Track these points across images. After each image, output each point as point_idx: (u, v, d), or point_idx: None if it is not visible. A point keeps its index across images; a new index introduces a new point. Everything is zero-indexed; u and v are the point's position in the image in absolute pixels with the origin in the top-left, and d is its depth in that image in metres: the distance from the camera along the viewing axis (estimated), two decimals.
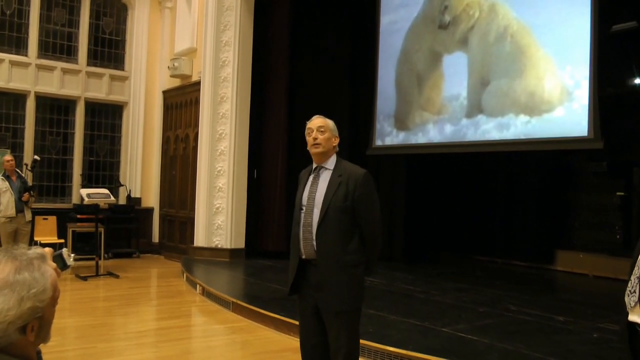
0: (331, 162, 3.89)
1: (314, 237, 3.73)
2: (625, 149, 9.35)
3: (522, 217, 11.15)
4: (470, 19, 9.36)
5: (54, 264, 2.10)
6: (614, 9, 8.57)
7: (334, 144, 3.90)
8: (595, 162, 10.18)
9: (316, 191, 3.82)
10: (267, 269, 10.14)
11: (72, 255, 2.24)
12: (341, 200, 3.71)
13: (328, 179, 3.82)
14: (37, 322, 1.62)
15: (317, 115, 3.96)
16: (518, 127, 8.63)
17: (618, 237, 9.68)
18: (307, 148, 3.90)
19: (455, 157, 10.97)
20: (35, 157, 10.73)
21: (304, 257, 3.79)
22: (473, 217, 11.92)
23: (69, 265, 2.21)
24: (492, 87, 9.01)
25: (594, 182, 10.37)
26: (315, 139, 3.82)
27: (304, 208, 3.83)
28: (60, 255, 2.17)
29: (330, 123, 3.92)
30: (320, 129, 3.84)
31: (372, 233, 3.81)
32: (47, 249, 2.12)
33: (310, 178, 3.90)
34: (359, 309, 3.87)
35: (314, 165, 3.93)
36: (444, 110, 9.75)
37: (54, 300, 1.68)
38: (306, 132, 3.91)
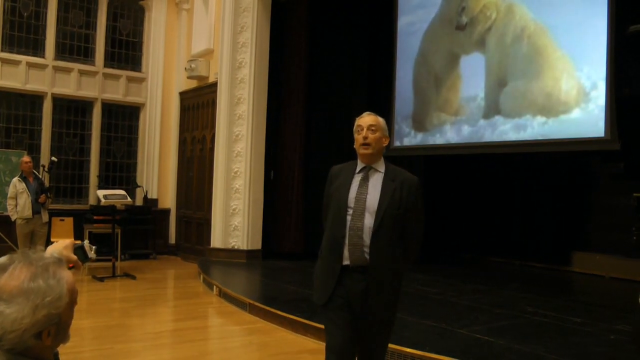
0: (381, 164, 3.63)
1: (367, 244, 3.45)
2: None
3: (539, 219, 11.09)
4: (488, 20, 9.36)
5: (75, 257, 2.13)
6: (630, 10, 8.51)
7: (384, 145, 3.64)
8: (612, 163, 10.11)
9: (366, 193, 3.53)
10: (283, 270, 10.16)
11: (94, 247, 2.30)
12: (396, 207, 3.49)
13: (380, 182, 3.56)
14: (54, 327, 1.61)
15: (368, 112, 3.73)
16: (535, 128, 8.62)
17: (635, 238, 9.57)
18: (354, 146, 3.64)
19: (472, 158, 10.97)
20: (53, 158, 10.80)
21: (347, 263, 3.49)
22: (490, 218, 11.88)
23: (90, 258, 2.28)
24: (509, 88, 9.01)
25: (610, 184, 10.28)
26: (365, 137, 3.55)
27: (350, 210, 3.52)
28: (82, 247, 2.23)
29: (381, 122, 3.66)
30: (371, 127, 3.57)
31: (417, 241, 3.70)
32: (69, 241, 2.17)
33: (358, 178, 3.60)
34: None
35: (360, 165, 3.64)
36: (461, 112, 9.75)
37: (71, 303, 1.66)
38: (355, 129, 3.64)
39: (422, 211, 3.69)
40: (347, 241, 3.49)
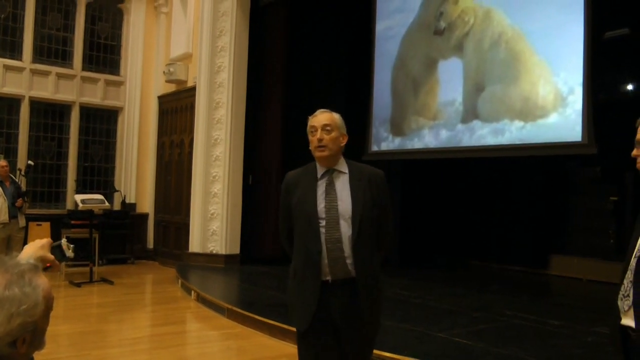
0: (342, 164, 3.33)
1: (350, 254, 3.17)
2: (618, 154, 9.35)
3: (517, 222, 11.15)
4: (466, 25, 9.40)
5: (52, 256, 2.10)
6: (606, 16, 8.61)
7: (342, 144, 3.31)
8: (589, 167, 10.21)
9: (337, 200, 3.22)
10: (262, 275, 10.12)
11: (72, 246, 2.25)
12: (370, 208, 3.21)
13: (347, 184, 3.26)
14: (30, 335, 1.58)
15: (322, 110, 3.38)
16: (513, 132, 8.66)
17: (611, 241, 9.68)
18: (310, 149, 3.32)
19: (450, 162, 11.01)
20: (29, 162, 10.72)
21: (328, 278, 3.17)
22: (468, 222, 11.93)
23: (68, 257, 2.23)
24: (487, 93, 9.04)
25: (587, 187, 10.39)
26: (320, 139, 3.23)
27: (322, 222, 3.18)
28: (59, 246, 2.20)
29: (337, 119, 3.33)
30: (326, 127, 3.25)
31: (389, 238, 3.45)
32: (46, 240, 2.14)
33: (323, 184, 3.27)
34: None
35: (321, 169, 3.31)
36: (439, 116, 9.78)
37: (47, 310, 1.63)
38: (308, 129, 3.33)
39: (391, 209, 3.44)
40: (325, 255, 3.16)
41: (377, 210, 3.26)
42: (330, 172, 3.29)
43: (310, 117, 3.38)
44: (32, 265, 1.67)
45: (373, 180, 3.30)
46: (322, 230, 3.18)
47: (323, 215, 3.19)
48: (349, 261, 3.17)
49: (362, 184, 3.25)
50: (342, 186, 3.26)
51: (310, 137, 3.31)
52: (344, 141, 3.32)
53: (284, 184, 3.43)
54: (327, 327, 3.18)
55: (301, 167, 3.45)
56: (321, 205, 3.21)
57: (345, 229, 3.18)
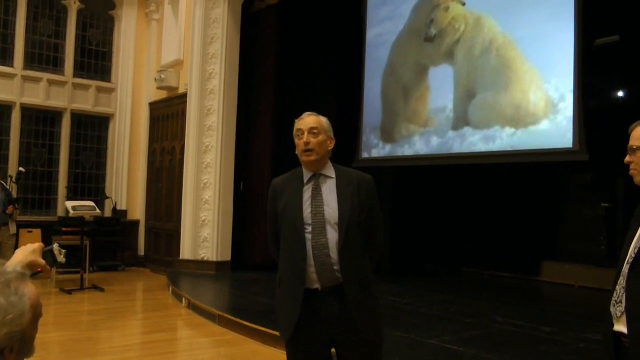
0: (329, 168, 3.24)
1: (337, 260, 3.06)
2: (609, 160, 9.37)
3: (508, 228, 11.16)
4: (456, 32, 9.42)
5: (43, 261, 2.08)
6: (597, 23, 8.65)
7: (329, 148, 3.22)
8: (580, 173, 10.23)
9: (323, 204, 3.13)
10: (253, 282, 10.10)
11: (64, 251, 2.22)
12: (357, 213, 3.11)
13: (334, 189, 3.17)
14: (17, 344, 1.56)
15: (309, 113, 3.28)
16: (504, 139, 8.67)
17: (603, 248, 9.69)
18: (296, 153, 3.23)
19: (441, 169, 11.00)
20: (20, 169, 10.68)
21: (317, 287, 3.08)
22: (459, 229, 11.95)
23: (60, 262, 2.20)
24: (477, 100, 9.06)
25: (579, 194, 10.42)
26: (307, 143, 3.13)
27: (308, 227, 3.09)
28: (51, 251, 2.17)
29: (324, 122, 3.22)
30: (312, 130, 3.15)
31: (379, 244, 3.34)
32: (37, 244, 2.12)
33: (308, 189, 3.19)
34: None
35: (307, 173, 3.23)
36: (430, 123, 9.79)
37: (35, 318, 1.62)
38: (294, 133, 3.22)
39: (381, 214, 3.33)
40: (311, 262, 3.07)
41: (366, 216, 3.16)
42: (317, 177, 3.20)
43: (296, 120, 3.27)
44: (19, 274, 1.64)
45: (362, 185, 3.20)
46: (308, 236, 3.09)
47: (309, 221, 3.10)
48: (336, 267, 3.07)
49: (350, 189, 3.16)
50: (329, 191, 3.17)
51: (296, 141, 3.21)
52: (331, 145, 3.23)
53: (270, 189, 3.35)
54: (316, 335, 3.10)
55: (288, 172, 3.37)
56: (307, 210, 3.12)
57: (332, 234, 3.08)
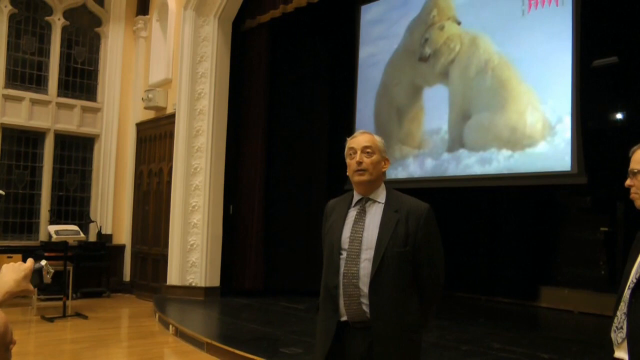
0: (381, 193, 3.04)
1: (366, 294, 2.84)
2: (608, 183, 9.32)
3: (506, 253, 11.06)
4: (451, 52, 9.40)
5: (31, 288, 2.00)
6: (594, 44, 8.62)
7: (384, 169, 3.05)
8: (579, 197, 10.15)
9: (363, 230, 2.92)
10: (243, 308, 9.92)
11: (52, 271, 2.16)
12: (401, 244, 2.87)
13: (380, 214, 2.95)
14: None
15: (362, 131, 3.14)
16: (500, 161, 8.62)
17: (603, 272, 9.62)
18: (348, 174, 3.06)
19: (436, 192, 10.81)
20: (0, 192, 10.40)
21: (344, 319, 2.89)
22: (455, 254, 11.68)
23: (46, 283, 2.15)
24: (473, 121, 9.01)
25: (577, 218, 10.34)
26: (359, 162, 2.96)
27: (344, 253, 2.91)
28: (40, 270, 2.09)
29: (379, 141, 3.06)
30: (366, 149, 2.98)
31: (435, 283, 3.07)
32: (28, 265, 2.02)
33: (353, 213, 3.00)
34: None
35: (357, 196, 3.05)
36: (424, 145, 9.72)
37: (3, 345, 1.54)
38: (346, 152, 3.07)
39: (439, 245, 3.10)
40: (341, 291, 2.89)
41: (412, 250, 2.92)
42: (365, 201, 3.03)
43: (348, 139, 3.12)
44: None
45: (412, 213, 2.98)
46: (342, 262, 2.91)
47: (345, 246, 2.93)
48: (364, 301, 2.85)
49: (397, 216, 2.94)
50: (373, 216, 2.97)
51: (348, 161, 3.05)
52: (386, 166, 3.07)
53: (325, 210, 3.21)
54: None
55: (341, 195, 3.23)
56: (346, 235, 2.95)
57: (366, 264, 2.87)
